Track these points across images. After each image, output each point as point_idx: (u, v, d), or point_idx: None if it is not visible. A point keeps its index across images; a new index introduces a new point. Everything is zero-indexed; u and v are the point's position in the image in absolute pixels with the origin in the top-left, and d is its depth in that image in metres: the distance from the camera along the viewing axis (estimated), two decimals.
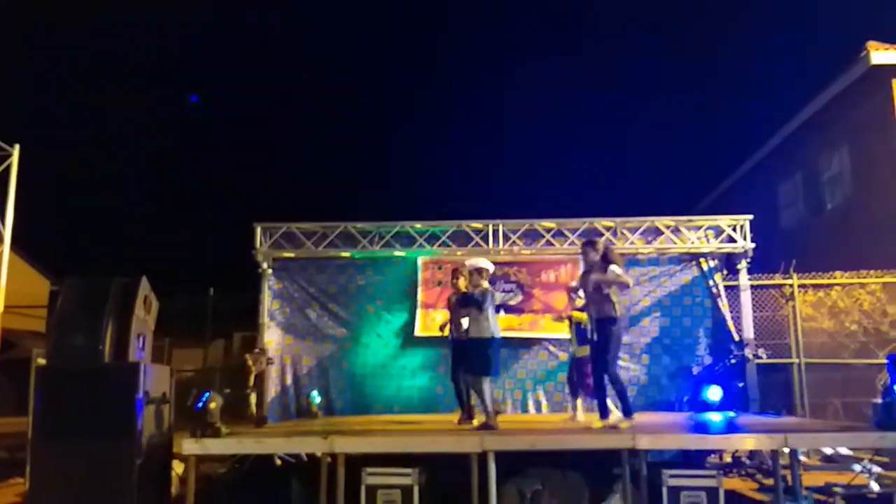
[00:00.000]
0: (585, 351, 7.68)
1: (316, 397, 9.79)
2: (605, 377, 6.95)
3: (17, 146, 8.74)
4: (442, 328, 8.26)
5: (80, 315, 6.77)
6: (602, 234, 10.18)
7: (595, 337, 6.97)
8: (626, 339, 9.68)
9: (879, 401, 6.32)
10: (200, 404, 6.41)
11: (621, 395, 7.00)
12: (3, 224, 8.59)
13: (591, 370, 7.85)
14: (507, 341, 9.92)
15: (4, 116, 9.26)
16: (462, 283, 7.77)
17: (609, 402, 7.26)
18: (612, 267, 6.82)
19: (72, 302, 6.88)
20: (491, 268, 7.58)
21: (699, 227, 10.33)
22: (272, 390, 10.14)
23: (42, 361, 7.15)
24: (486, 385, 7.15)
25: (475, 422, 7.52)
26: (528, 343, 10.17)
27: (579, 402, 8.33)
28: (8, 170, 8.67)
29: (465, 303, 7.39)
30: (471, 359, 7.31)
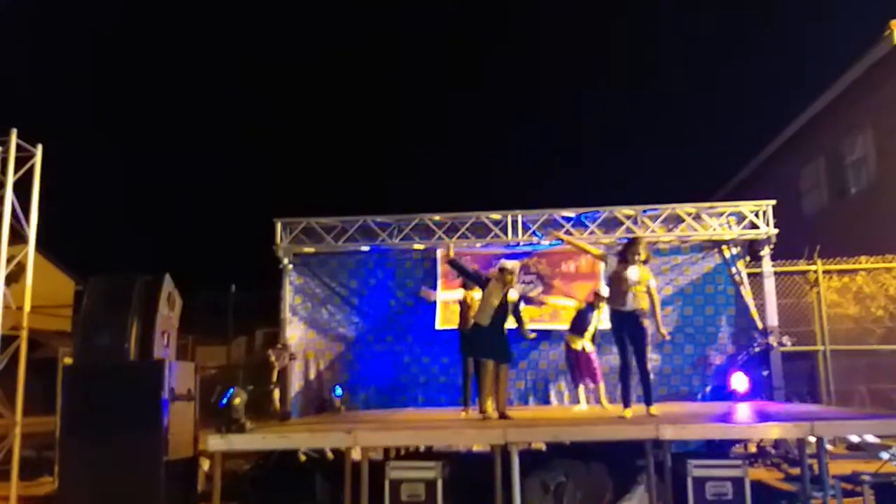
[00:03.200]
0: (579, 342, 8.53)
1: (339, 392, 9.83)
2: (637, 366, 7.05)
3: (39, 146, 8.80)
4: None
5: (105, 314, 6.85)
6: (622, 223, 10.13)
7: (628, 328, 7.02)
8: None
9: None
10: (225, 401, 6.46)
11: (649, 385, 7.19)
12: (28, 225, 8.68)
13: (595, 360, 8.53)
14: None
15: (27, 117, 9.34)
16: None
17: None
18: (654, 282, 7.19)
19: (97, 301, 6.96)
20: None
21: (721, 214, 10.23)
22: (295, 385, 10.21)
23: (69, 361, 7.24)
24: None
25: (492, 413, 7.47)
26: (549, 334, 10.14)
27: (582, 390, 8.73)
28: (31, 170, 8.74)
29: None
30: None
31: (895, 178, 11.77)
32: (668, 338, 7.66)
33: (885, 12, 11.49)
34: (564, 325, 9.71)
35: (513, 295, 7.54)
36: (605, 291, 8.43)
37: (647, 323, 7.00)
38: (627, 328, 6.98)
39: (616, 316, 7.09)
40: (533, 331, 9.89)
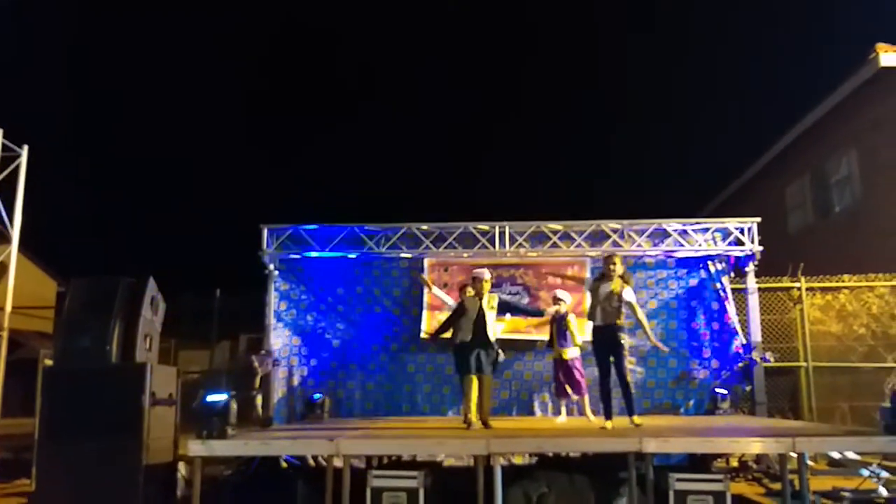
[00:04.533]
0: (566, 352, 8.51)
1: (323, 399, 9.76)
2: (617, 379, 7.20)
3: (25, 147, 8.76)
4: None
5: (87, 316, 6.80)
6: (609, 237, 10.17)
7: (604, 342, 7.25)
8: (632, 341, 9.68)
9: (888, 405, 6.28)
10: (206, 402, 6.38)
11: (631, 396, 7.30)
12: (12, 225, 8.62)
13: (579, 372, 8.56)
14: (513, 343, 9.97)
15: (13, 118, 9.27)
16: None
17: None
18: (631, 293, 7.31)
19: (79, 303, 6.90)
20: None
21: (706, 230, 10.27)
22: (278, 392, 10.14)
23: (49, 362, 7.17)
24: None
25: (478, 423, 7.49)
26: (533, 345, 10.13)
27: (564, 402, 8.78)
28: (16, 171, 8.68)
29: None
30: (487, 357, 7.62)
31: (879, 198, 11.90)
32: (663, 348, 8.18)
33: (871, 34, 11.68)
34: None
35: (490, 301, 7.68)
36: (561, 295, 8.72)
37: (623, 337, 7.22)
38: (604, 342, 7.27)
39: (594, 330, 7.45)
40: (517, 340, 10.01)
